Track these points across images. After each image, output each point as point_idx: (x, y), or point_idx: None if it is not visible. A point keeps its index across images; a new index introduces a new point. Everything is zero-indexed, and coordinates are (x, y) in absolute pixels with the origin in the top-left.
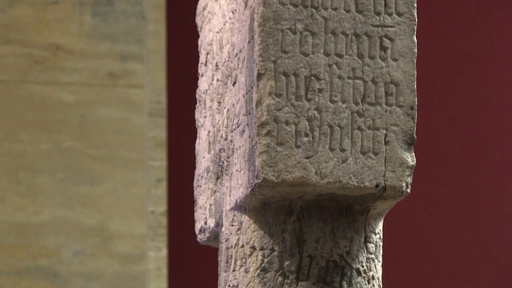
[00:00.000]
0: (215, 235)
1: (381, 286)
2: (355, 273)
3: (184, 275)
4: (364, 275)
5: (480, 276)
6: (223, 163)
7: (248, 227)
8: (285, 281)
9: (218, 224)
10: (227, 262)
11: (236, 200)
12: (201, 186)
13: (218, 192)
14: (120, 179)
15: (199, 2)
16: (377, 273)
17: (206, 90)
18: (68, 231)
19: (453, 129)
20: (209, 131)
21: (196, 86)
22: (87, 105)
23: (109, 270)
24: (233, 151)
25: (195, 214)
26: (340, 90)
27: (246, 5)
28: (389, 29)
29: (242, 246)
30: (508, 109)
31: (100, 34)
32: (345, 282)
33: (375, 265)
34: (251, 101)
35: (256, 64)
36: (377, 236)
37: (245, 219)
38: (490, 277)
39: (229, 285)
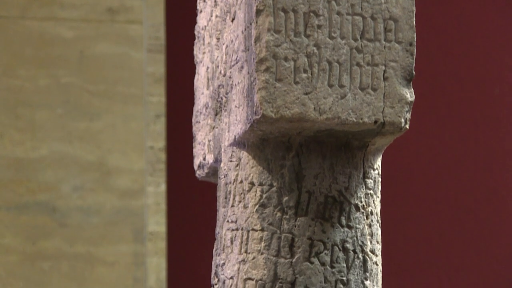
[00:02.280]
0: (214, 170)
1: (380, 221)
2: (354, 209)
3: (183, 210)
4: (362, 210)
5: (480, 217)
6: (221, 99)
7: (247, 163)
8: (284, 216)
9: (217, 160)
10: (225, 198)
11: (235, 136)
12: (199, 122)
13: (216, 128)
14: (119, 114)
15: None
16: (375, 208)
17: (205, 26)
18: (67, 166)
19: (452, 64)
20: (207, 67)
21: (195, 21)
22: (86, 40)
23: (108, 205)
24: (231, 87)
25: (194, 150)
26: (339, 26)
27: None
28: None
29: (241, 182)
30: (505, 40)
31: None
32: (343, 218)
33: (373, 200)
34: (250, 37)
35: (255, 0)
36: (376, 171)
37: (244, 155)
38: (489, 219)
39: (227, 221)
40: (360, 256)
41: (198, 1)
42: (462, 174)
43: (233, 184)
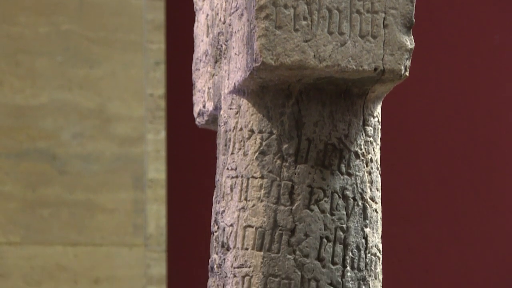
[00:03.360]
0: (214, 118)
1: (379, 168)
2: (353, 156)
3: (183, 158)
4: (362, 158)
5: (481, 164)
6: (221, 46)
7: (247, 110)
8: (284, 164)
9: (217, 107)
10: (225, 145)
11: (235, 84)
12: (199, 70)
13: (216, 75)
14: (118, 61)
15: None
16: (375, 156)
17: None
18: (66, 113)
19: (452, 11)
20: (207, 15)
21: None
22: None
23: (107, 152)
24: (231, 35)
25: (194, 97)
26: None
27: None
28: None
29: (241, 129)
30: None
31: None
32: (343, 165)
33: (373, 148)
34: None
35: None
36: (376, 119)
37: (244, 102)
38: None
39: (227, 168)
40: (360, 203)
41: None
42: (463, 121)
43: (232, 131)
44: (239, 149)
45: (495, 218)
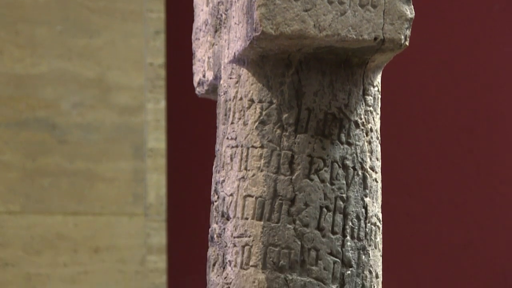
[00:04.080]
0: (214, 87)
1: (379, 138)
2: (353, 126)
3: (183, 127)
4: (362, 127)
5: (481, 135)
6: (221, 16)
7: (247, 80)
8: (284, 133)
9: (217, 77)
10: (225, 115)
11: (235, 53)
12: (199, 39)
13: (216, 45)
14: (118, 30)
15: None
16: (375, 125)
17: None
18: (66, 83)
19: None
20: None
21: None
22: None
23: (107, 122)
24: (231, 4)
25: (193, 67)
26: None
27: None
28: None
29: (241, 99)
30: None
31: None
32: (343, 135)
33: (373, 117)
34: None
35: None
36: (376, 88)
37: (244, 72)
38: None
39: (227, 138)
40: (360, 173)
41: None
42: (464, 90)
43: (232, 101)
44: (239, 118)
45: (495, 185)
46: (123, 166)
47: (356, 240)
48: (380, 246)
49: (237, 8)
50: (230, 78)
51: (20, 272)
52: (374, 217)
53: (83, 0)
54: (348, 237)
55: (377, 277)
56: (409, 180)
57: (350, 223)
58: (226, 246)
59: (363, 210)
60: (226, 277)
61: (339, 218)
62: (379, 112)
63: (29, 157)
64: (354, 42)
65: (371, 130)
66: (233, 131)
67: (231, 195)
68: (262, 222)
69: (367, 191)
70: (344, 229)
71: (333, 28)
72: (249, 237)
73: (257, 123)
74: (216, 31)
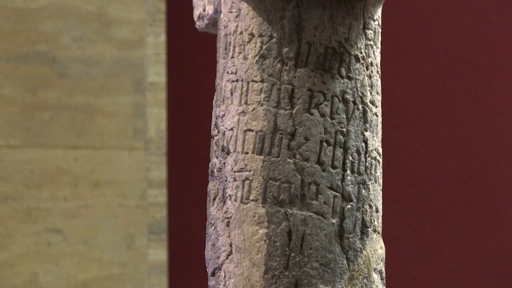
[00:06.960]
0: (214, 21)
1: (380, 72)
2: (354, 60)
3: (183, 61)
4: (362, 61)
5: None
6: None
7: (247, 14)
8: (284, 67)
9: (217, 11)
10: (225, 49)
11: None
12: None
13: None
14: None
15: None
16: (375, 59)
17: None
18: (66, 16)
19: None
20: None
21: None
22: None
23: (107, 56)
24: None
25: (194, 0)
26: None
27: None
28: None
29: (241, 33)
30: None
31: None
32: (343, 69)
33: (373, 51)
34: None
35: None
36: (376, 22)
37: (244, 6)
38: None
39: (227, 72)
40: (360, 107)
41: None
42: (465, 21)
43: (233, 35)
44: (239, 52)
45: (495, 129)
46: (123, 100)
47: (356, 174)
48: (380, 180)
49: None
50: (230, 12)
51: (20, 206)
52: (374, 151)
53: None
54: (348, 171)
55: (377, 211)
56: (409, 114)
57: (350, 157)
58: (226, 180)
59: (363, 144)
60: (226, 211)
61: (339, 152)
62: (379, 46)
63: (29, 91)
64: None
65: (372, 64)
66: (233, 65)
67: (231, 129)
68: (262, 157)
69: (367, 125)
70: (344, 163)
71: None
72: (249, 171)
73: (257, 57)
74: None
